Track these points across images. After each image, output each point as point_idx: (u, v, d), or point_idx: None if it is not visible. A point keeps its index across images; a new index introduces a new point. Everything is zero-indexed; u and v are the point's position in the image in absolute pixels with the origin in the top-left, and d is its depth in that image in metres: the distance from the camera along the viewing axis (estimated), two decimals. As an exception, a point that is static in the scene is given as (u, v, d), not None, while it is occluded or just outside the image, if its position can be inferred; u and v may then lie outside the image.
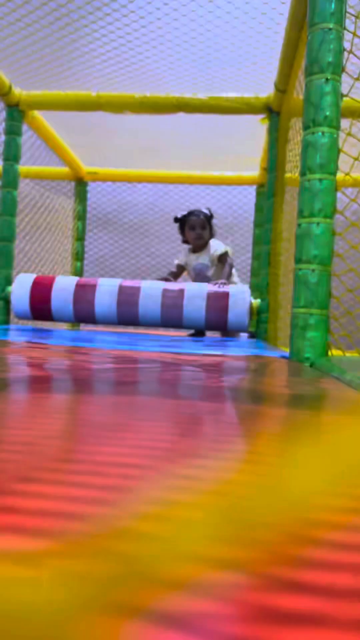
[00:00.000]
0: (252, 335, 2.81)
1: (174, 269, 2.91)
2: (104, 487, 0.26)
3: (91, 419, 0.45)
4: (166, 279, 2.69)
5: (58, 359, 1.04)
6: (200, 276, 2.82)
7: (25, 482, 0.27)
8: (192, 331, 2.84)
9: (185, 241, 2.90)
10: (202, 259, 2.83)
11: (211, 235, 2.85)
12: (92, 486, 0.27)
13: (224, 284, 2.53)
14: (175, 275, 2.87)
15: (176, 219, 2.85)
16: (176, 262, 2.92)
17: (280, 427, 0.49)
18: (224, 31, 2.39)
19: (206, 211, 2.82)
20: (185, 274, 2.92)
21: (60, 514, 0.23)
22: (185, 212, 2.83)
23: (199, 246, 2.83)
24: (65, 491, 0.26)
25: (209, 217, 2.80)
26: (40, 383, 0.68)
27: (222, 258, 2.79)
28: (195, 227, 2.77)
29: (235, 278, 2.89)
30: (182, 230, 2.85)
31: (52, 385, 0.67)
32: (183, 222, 2.82)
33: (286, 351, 1.65)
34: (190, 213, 2.80)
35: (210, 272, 2.83)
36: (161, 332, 2.68)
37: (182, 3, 2.26)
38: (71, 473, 0.29)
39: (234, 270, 2.87)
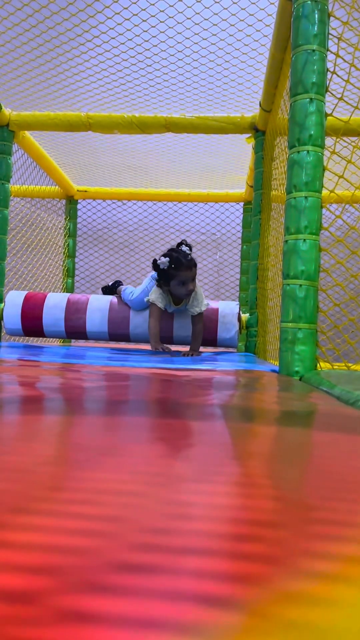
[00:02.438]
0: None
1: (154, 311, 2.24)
2: (100, 517, 0.26)
3: (84, 442, 0.45)
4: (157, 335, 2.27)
5: (50, 377, 1.04)
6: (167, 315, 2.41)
7: (18, 514, 0.26)
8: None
9: (161, 284, 2.21)
10: (180, 307, 2.34)
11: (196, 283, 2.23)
12: (88, 517, 0.26)
13: (198, 353, 2.21)
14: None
15: (156, 267, 2.14)
16: (155, 303, 2.23)
17: (273, 447, 0.50)
18: (210, 52, 2.45)
19: (185, 249, 2.15)
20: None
21: (56, 548, 0.22)
22: (166, 259, 2.11)
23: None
24: (60, 523, 0.25)
25: (195, 263, 2.18)
26: (31, 404, 0.68)
27: (200, 316, 2.29)
28: (186, 282, 2.13)
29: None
30: (163, 278, 2.16)
31: (44, 406, 0.68)
32: (168, 273, 2.13)
33: (276, 365, 1.67)
34: (178, 262, 2.10)
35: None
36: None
37: (169, 25, 2.31)
38: (66, 503, 0.28)
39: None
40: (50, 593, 0.18)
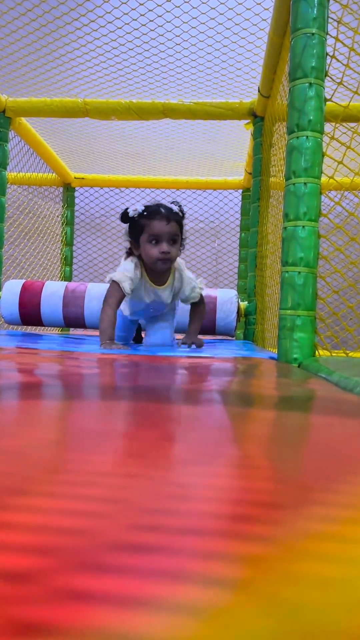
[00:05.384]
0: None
1: (115, 294, 1.58)
2: (99, 498, 0.26)
3: (83, 426, 0.45)
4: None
5: (47, 364, 1.04)
6: (151, 318, 1.88)
7: (17, 495, 0.26)
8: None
9: (132, 253, 1.66)
10: (164, 294, 1.71)
11: (179, 252, 1.64)
12: (87, 498, 0.26)
13: (199, 345, 1.75)
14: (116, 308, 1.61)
15: (125, 218, 1.60)
16: (118, 283, 1.58)
17: (273, 430, 0.50)
18: (208, 37, 2.42)
19: (175, 208, 1.60)
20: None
21: (55, 528, 0.22)
22: (140, 207, 1.58)
23: (162, 273, 1.68)
24: (59, 504, 0.25)
25: (181, 221, 1.62)
26: (29, 389, 0.68)
27: (201, 297, 1.79)
28: (159, 239, 1.56)
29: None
30: (134, 235, 1.61)
31: (41, 392, 0.68)
32: (138, 225, 1.59)
33: (274, 352, 1.67)
34: (153, 210, 1.57)
35: (165, 311, 1.84)
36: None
37: (166, 9, 2.28)
38: (64, 484, 0.28)
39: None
40: (49, 573, 0.18)
